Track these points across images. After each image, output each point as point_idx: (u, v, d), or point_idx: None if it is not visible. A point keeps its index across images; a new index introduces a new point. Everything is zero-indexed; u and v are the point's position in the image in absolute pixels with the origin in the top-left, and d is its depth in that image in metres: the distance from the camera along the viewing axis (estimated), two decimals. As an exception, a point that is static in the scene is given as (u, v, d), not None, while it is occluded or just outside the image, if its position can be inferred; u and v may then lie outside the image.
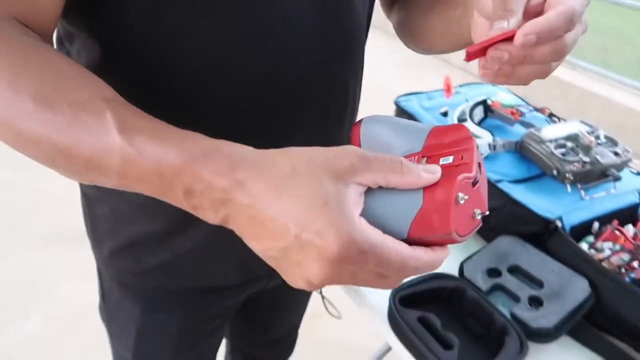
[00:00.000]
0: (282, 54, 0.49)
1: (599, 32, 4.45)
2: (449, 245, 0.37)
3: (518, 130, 1.13)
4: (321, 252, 0.32)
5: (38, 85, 0.37)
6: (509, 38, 0.40)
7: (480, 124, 1.15)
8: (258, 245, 0.35)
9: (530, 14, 0.41)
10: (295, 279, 0.36)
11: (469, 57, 0.43)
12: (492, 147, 1.05)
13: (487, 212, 0.37)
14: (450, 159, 0.37)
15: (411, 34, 0.66)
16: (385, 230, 0.34)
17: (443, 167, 0.36)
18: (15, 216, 2.19)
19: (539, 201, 0.96)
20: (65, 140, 0.37)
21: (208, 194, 0.35)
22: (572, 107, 3.10)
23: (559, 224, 0.92)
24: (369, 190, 0.35)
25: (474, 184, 0.35)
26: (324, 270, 0.33)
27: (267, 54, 0.48)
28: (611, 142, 1.03)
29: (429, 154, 0.38)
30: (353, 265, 0.33)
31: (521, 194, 0.97)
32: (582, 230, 0.94)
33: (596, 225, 0.94)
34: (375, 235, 0.33)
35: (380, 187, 0.35)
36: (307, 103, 0.53)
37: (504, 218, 0.97)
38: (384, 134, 0.41)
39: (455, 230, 0.34)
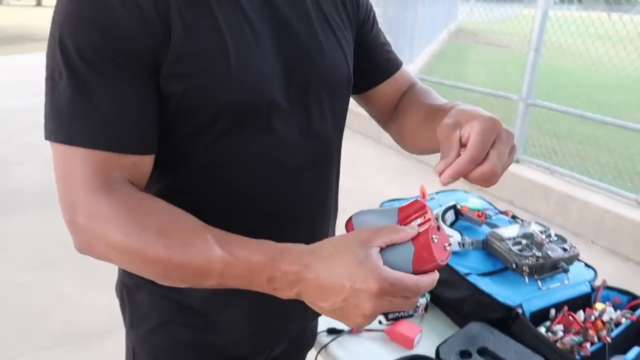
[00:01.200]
0: (291, 188, 0.73)
1: (576, 141, 4.82)
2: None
3: (485, 230, 1.31)
4: (369, 293, 0.51)
5: (157, 222, 0.57)
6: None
7: (452, 225, 1.34)
8: (325, 304, 0.54)
9: (464, 144, 0.59)
10: (355, 319, 0.54)
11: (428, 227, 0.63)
12: (462, 244, 1.23)
13: (451, 244, 0.58)
14: (418, 221, 0.58)
15: (406, 142, 0.88)
16: (399, 270, 0.54)
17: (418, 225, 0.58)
18: (28, 317, 2.30)
19: (502, 291, 1.12)
20: (181, 259, 0.56)
21: (285, 278, 0.54)
22: (554, 209, 3.32)
23: (519, 310, 1.07)
24: (381, 250, 0.55)
25: (438, 228, 0.57)
26: (373, 304, 0.52)
27: (281, 185, 0.72)
28: (561, 239, 1.21)
29: (403, 223, 0.60)
30: (388, 296, 0.52)
31: (487, 285, 1.14)
32: (540, 315, 1.09)
33: (552, 311, 1.09)
34: (395, 273, 0.53)
35: (388, 246, 0.55)
36: (306, 212, 0.76)
37: (474, 306, 1.13)
38: (369, 220, 0.62)
39: (438, 258, 0.55)
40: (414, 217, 0.59)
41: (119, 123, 0.59)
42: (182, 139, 0.66)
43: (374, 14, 0.89)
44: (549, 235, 1.21)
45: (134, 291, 0.78)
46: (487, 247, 1.24)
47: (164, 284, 0.61)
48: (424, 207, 0.59)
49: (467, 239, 1.25)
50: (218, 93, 0.63)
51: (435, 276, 0.56)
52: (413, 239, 0.56)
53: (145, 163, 0.63)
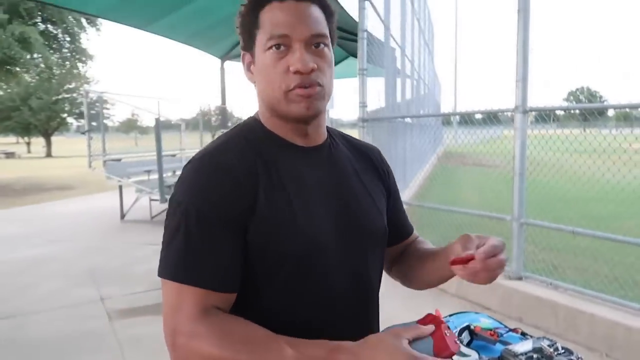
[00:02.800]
0: (339, 320, 0.93)
1: (573, 254, 4.99)
2: None
3: (498, 348, 1.45)
4: None
5: (242, 335, 0.79)
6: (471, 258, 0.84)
7: (468, 345, 1.48)
8: None
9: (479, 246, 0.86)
10: None
11: (453, 264, 0.87)
12: (480, 363, 1.36)
13: (459, 341, 0.79)
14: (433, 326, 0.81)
15: (409, 282, 1.12)
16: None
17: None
18: None
19: (522, 404, 1.23)
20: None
21: None
22: (563, 324, 3.38)
23: (540, 422, 1.18)
24: (409, 343, 0.77)
25: (449, 328, 0.78)
26: None
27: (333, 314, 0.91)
28: (568, 352, 1.35)
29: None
30: None
31: (508, 400, 1.25)
32: None
33: (569, 421, 1.19)
34: (422, 355, 0.75)
35: (414, 340, 0.77)
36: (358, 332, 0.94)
37: (499, 421, 1.23)
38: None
39: (451, 347, 0.77)
40: (429, 323, 0.82)
41: (219, 270, 0.83)
42: (256, 278, 0.87)
43: (395, 183, 1.15)
44: (556, 349, 1.35)
45: None
46: (502, 364, 1.37)
47: None
48: (438, 316, 0.83)
49: (484, 358, 1.39)
50: (284, 246, 0.86)
51: None
52: (432, 335, 0.78)
53: (231, 298, 0.86)
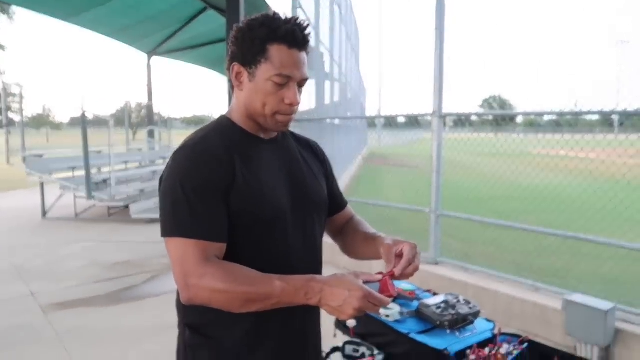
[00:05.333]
0: (295, 264, 1.19)
1: (483, 244, 5.60)
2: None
3: (416, 304, 1.80)
4: (358, 296, 1.02)
5: (240, 274, 1.05)
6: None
7: (393, 302, 1.82)
8: (333, 304, 1.02)
9: (398, 255, 1.15)
10: (348, 311, 1.00)
11: (385, 275, 1.14)
12: (402, 314, 1.71)
13: (396, 292, 1.08)
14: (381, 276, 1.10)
15: (348, 251, 1.42)
16: None
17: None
18: None
19: (433, 341, 1.59)
20: (257, 290, 1.03)
21: (313, 291, 1.05)
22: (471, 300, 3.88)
23: (446, 352, 1.54)
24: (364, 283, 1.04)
25: (391, 281, 1.08)
26: (359, 303, 1.01)
27: (292, 261, 1.18)
28: (467, 301, 1.73)
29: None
30: (365, 299, 1.02)
31: (423, 339, 1.60)
32: (461, 354, 1.56)
33: (468, 351, 1.56)
34: (371, 290, 1.03)
35: (365, 282, 1.04)
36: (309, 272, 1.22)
37: (415, 355, 1.57)
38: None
39: (392, 292, 1.06)
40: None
41: (215, 226, 1.11)
42: (237, 236, 1.14)
43: (331, 168, 1.46)
44: (458, 300, 1.73)
45: (196, 349, 1.18)
46: (419, 314, 1.72)
47: (243, 311, 1.06)
48: (384, 272, 1.13)
49: (405, 310, 1.74)
50: (256, 210, 1.15)
51: (389, 300, 1.06)
52: (379, 281, 1.06)
53: (224, 247, 1.12)
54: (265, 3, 8.66)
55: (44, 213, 8.42)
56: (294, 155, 1.33)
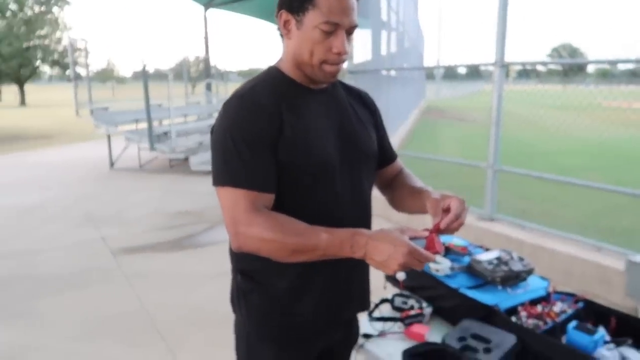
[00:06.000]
0: (344, 216, 1.20)
1: (542, 200, 5.41)
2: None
3: (467, 259, 1.79)
4: (403, 251, 1.01)
5: (288, 224, 1.07)
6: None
7: (444, 256, 1.82)
8: (378, 258, 1.02)
9: (445, 209, 1.12)
10: (393, 266, 1.01)
11: (432, 232, 1.12)
12: (452, 269, 1.70)
13: (443, 248, 1.07)
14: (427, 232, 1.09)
15: (395, 205, 1.40)
16: None
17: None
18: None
19: (484, 297, 1.58)
20: (304, 241, 1.05)
21: (358, 244, 1.05)
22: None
23: (497, 308, 1.53)
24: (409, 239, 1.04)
25: (438, 237, 1.07)
26: (404, 258, 1.00)
27: (339, 214, 1.19)
28: (520, 258, 1.69)
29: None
30: (410, 255, 1.01)
31: (473, 294, 1.59)
32: (511, 311, 1.54)
33: (519, 307, 1.54)
34: (416, 245, 1.02)
35: (411, 238, 1.04)
36: (357, 225, 1.22)
37: (464, 310, 1.57)
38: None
39: (437, 248, 1.06)
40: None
41: (264, 176, 1.13)
42: (285, 187, 1.16)
43: (382, 119, 1.43)
44: (511, 257, 1.69)
45: (247, 293, 1.23)
46: (470, 270, 1.71)
47: (290, 261, 1.09)
48: (430, 228, 1.12)
49: (456, 265, 1.72)
50: (303, 160, 1.16)
51: (435, 256, 1.05)
52: (425, 238, 1.05)
53: (272, 198, 1.15)
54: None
55: (112, 163, 8.90)
56: (343, 105, 1.31)
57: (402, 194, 1.38)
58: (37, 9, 17.44)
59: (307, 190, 1.18)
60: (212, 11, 13.98)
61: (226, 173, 1.12)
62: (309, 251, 1.06)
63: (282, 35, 1.23)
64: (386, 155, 1.43)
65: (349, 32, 1.17)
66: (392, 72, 8.91)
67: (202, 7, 13.74)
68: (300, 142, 1.16)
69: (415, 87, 15.65)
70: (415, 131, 11.11)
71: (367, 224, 1.30)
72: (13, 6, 14.48)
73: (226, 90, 14.69)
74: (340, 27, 1.14)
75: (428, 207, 1.20)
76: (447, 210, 1.15)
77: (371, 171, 1.34)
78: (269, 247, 1.08)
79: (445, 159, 5.41)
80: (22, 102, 38.43)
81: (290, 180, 1.16)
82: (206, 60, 15.31)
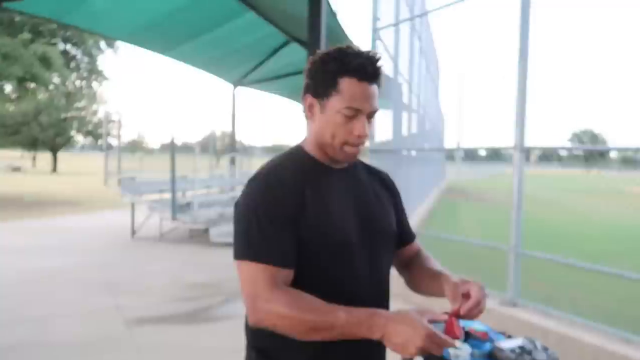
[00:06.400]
0: (361, 294, 1.19)
1: (567, 286, 5.23)
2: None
3: (488, 346, 1.72)
4: (421, 335, 1.00)
5: (306, 302, 1.07)
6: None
7: (464, 342, 1.76)
8: (397, 340, 1.01)
9: (464, 295, 1.12)
10: (411, 350, 0.99)
11: (451, 316, 1.12)
12: (472, 355, 1.64)
13: (463, 333, 1.06)
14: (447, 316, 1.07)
15: (412, 286, 1.42)
16: None
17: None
18: None
19: (506, 388, 1.50)
20: (321, 319, 1.05)
21: (377, 326, 1.05)
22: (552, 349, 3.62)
23: (520, 400, 1.45)
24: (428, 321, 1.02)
25: (457, 322, 1.06)
26: (422, 342, 1.00)
27: (357, 293, 1.18)
28: (544, 348, 1.63)
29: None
30: (429, 339, 1.00)
31: (495, 384, 1.52)
32: (536, 405, 1.46)
33: (544, 401, 1.46)
34: (436, 330, 1.01)
35: (429, 321, 1.03)
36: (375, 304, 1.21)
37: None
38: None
39: (457, 333, 1.05)
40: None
41: (283, 252, 1.15)
42: (304, 264, 1.17)
43: (401, 199, 1.46)
44: (535, 346, 1.63)
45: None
46: (491, 358, 1.65)
47: (307, 339, 1.08)
48: (450, 312, 1.12)
49: (476, 351, 1.66)
50: (323, 238, 1.19)
51: (454, 342, 1.04)
52: (444, 321, 1.03)
53: (291, 274, 1.16)
54: (346, 36, 8.88)
55: (133, 232, 9.02)
56: (363, 184, 1.35)
57: (420, 276, 1.39)
58: (78, 83, 18.64)
59: (326, 268, 1.19)
60: (240, 89, 14.66)
61: (247, 247, 1.15)
62: (327, 330, 1.06)
63: (306, 117, 1.29)
64: (405, 235, 1.45)
65: (370, 116, 1.23)
66: (413, 152, 9.07)
67: (231, 85, 14.44)
68: (321, 220, 1.19)
69: (435, 168, 15.81)
70: (435, 211, 11.08)
71: (385, 304, 1.30)
72: (56, 80, 15.49)
73: (250, 164, 15.06)
74: (361, 112, 1.21)
75: (446, 291, 1.21)
76: (466, 296, 1.14)
77: (390, 251, 1.35)
78: (286, 324, 1.08)
79: (466, 240, 5.35)
80: (54, 169, 39.92)
81: (310, 257, 1.18)
82: (232, 135, 15.85)
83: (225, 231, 8.53)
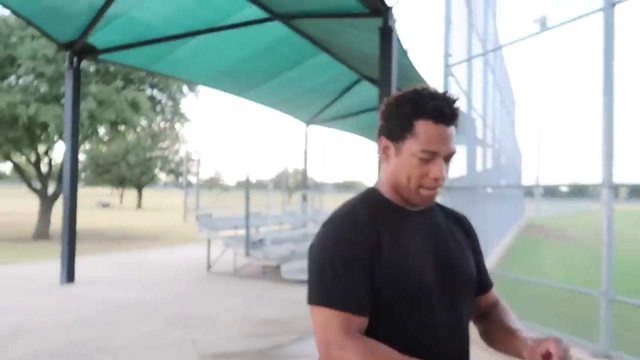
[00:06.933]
0: (440, 347, 1.15)
1: None
2: None
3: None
4: None
5: (382, 353, 1.04)
6: None
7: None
8: None
9: (544, 355, 1.05)
10: None
11: None
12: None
13: None
14: None
15: (487, 340, 1.35)
16: None
17: None
18: None
19: None
20: None
21: None
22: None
23: None
24: None
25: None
26: None
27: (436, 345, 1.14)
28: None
29: None
30: None
31: None
32: None
33: None
34: None
35: None
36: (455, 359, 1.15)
37: None
38: None
39: None
40: None
41: (358, 298, 1.12)
42: (378, 312, 1.14)
43: (479, 244, 1.40)
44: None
45: None
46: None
47: None
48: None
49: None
50: (400, 284, 1.14)
51: None
52: None
53: (366, 322, 1.13)
54: (417, 73, 8.88)
55: (209, 266, 9.30)
56: (441, 228, 1.30)
57: (497, 331, 1.31)
58: (162, 125, 19.98)
59: (402, 317, 1.14)
60: (313, 127, 14.98)
61: (321, 292, 1.13)
62: None
63: (381, 159, 1.28)
64: (482, 282, 1.37)
65: (447, 158, 1.19)
66: (489, 189, 8.74)
67: (304, 124, 14.81)
68: (398, 265, 1.15)
69: (513, 204, 15.11)
70: (513, 250, 10.52)
71: (465, 357, 1.22)
72: (144, 122, 16.68)
73: (321, 201, 15.19)
74: (438, 155, 1.17)
75: (524, 354, 1.13)
76: (546, 356, 1.06)
77: (470, 299, 1.29)
78: None
79: (550, 284, 5.00)
80: (139, 205, 42.53)
81: (385, 305, 1.14)
82: (304, 172, 16.14)
83: (297, 268, 8.59)
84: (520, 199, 16.45)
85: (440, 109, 1.16)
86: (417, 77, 8.97)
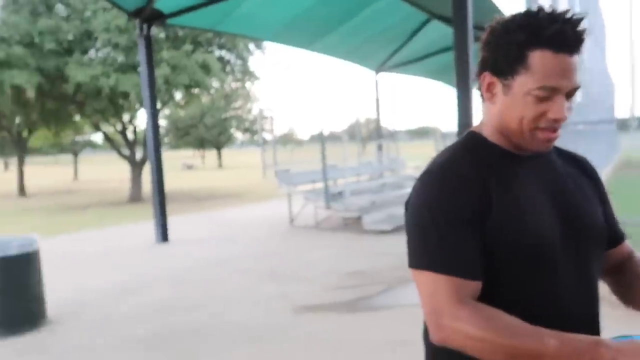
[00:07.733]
0: (567, 312, 1.02)
1: None
2: None
3: None
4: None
5: (501, 321, 0.90)
6: None
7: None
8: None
9: None
10: None
11: None
12: None
13: None
14: None
15: (623, 299, 1.16)
16: None
17: None
18: None
19: None
20: (524, 345, 0.87)
21: (603, 358, 0.84)
22: None
23: None
24: None
25: None
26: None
27: (562, 309, 1.01)
28: None
29: None
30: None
31: None
32: None
33: None
34: None
35: None
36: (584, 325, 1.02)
37: None
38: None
39: None
40: None
41: (468, 260, 0.97)
42: (492, 275, 1.00)
43: (605, 189, 1.21)
44: None
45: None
46: None
47: None
48: None
49: None
50: (518, 240, 0.99)
51: None
52: None
53: (479, 287, 0.98)
54: (495, 6, 8.22)
55: (291, 221, 9.53)
56: (560, 173, 1.11)
57: (635, 288, 1.13)
58: (233, 85, 20.38)
59: (522, 277, 1.00)
60: (382, 74, 14.54)
61: (424, 255, 0.99)
62: (531, 358, 0.87)
63: (484, 99, 1.09)
64: (612, 234, 1.17)
65: (570, 94, 0.99)
66: (580, 126, 8.08)
67: (373, 72, 14.40)
68: (514, 219, 0.99)
69: (606, 141, 13.99)
70: (612, 192, 9.76)
71: (596, 325, 1.07)
72: (216, 84, 17.06)
73: (397, 149, 14.92)
74: (558, 91, 0.97)
75: None
76: None
77: (601, 253, 1.10)
78: (477, 347, 0.91)
79: (658, 224, 4.59)
80: (220, 164, 44.35)
81: (501, 265, 0.99)
82: (377, 121, 15.84)
83: (378, 218, 8.57)
84: (614, 134, 15.19)
85: (563, 35, 0.95)
86: (495, 11, 8.31)
